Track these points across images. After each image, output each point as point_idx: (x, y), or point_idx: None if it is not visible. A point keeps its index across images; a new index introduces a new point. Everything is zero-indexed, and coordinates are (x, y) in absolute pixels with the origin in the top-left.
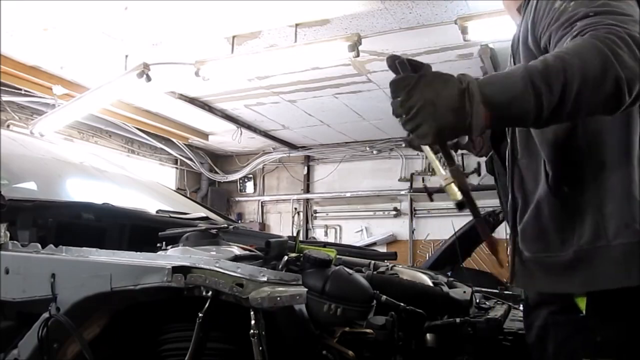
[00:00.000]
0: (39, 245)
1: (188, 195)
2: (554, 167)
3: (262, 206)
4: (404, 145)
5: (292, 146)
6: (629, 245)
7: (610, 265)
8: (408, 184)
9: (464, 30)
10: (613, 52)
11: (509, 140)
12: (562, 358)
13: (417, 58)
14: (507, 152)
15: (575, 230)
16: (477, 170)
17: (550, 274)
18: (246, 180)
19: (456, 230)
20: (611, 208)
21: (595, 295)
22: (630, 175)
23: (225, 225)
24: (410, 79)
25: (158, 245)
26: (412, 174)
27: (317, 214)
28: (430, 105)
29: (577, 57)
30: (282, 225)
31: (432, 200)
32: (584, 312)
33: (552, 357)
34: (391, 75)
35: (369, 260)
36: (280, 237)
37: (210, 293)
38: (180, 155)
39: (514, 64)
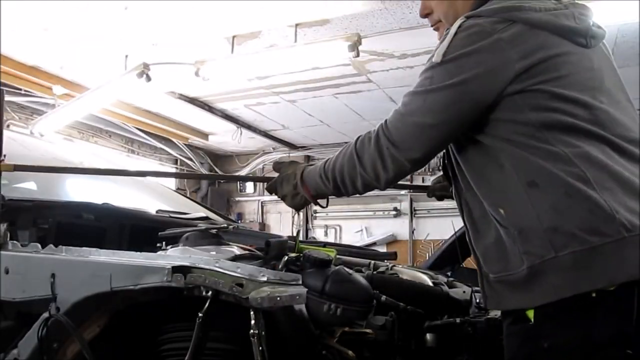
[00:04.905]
0: (39, 245)
1: (188, 195)
2: (485, 194)
3: (262, 206)
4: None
5: (292, 146)
6: (578, 254)
7: (562, 276)
8: (408, 184)
9: None
10: (358, 155)
11: (452, 179)
12: None
13: (417, 58)
14: (453, 188)
15: (525, 247)
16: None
17: (512, 292)
18: None
19: (456, 230)
20: (553, 222)
21: (542, 305)
22: (566, 187)
23: (225, 225)
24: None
25: (158, 245)
26: (411, 174)
27: (317, 214)
28: (285, 198)
29: (342, 159)
30: (282, 225)
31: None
32: (532, 320)
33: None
34: (391, 76)
35: (369, 260)
36: (280, 237)
37: (210, 293)
38: (180, 155)
39: None
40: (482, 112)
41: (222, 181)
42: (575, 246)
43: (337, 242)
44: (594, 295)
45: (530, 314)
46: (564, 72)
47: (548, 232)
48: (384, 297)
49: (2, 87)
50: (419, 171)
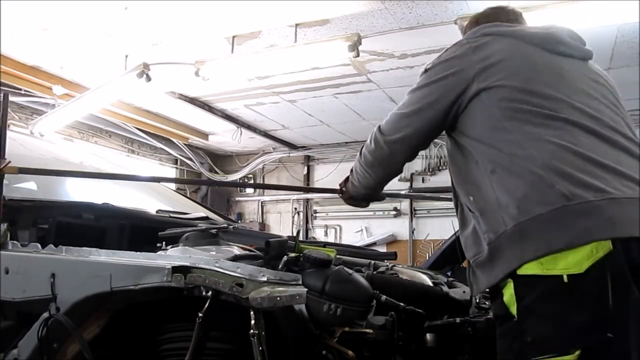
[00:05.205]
0: (39, 245)
1: (188, 195)
2: (464, 187)
3: (262, 206)
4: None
5: (292, 146)
6: (521, 224)
7: (511, 247)
8: (408, 184)
9: (464, 30)
10: (362, 160)
11: (451, 183)
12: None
13: (417, 58)
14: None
15: (486, 227)
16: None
17: (483, 272)
18: (246, 180)
19: (456, 230)
20: (505, 200)
21: (522, 298)
22: (516, 169)
23: (225, 225)
24: None
25: (158, 245)
26: (412, 174)
27: (317, 214)
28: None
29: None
30: (282, 225)
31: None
32: (516, 317)
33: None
34: (391, 76)
35: (369, 260)
36: (280, 237)
37: (210, 293)
38: (180, 155)
39: None
40: (450, 107)
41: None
42: (520, 218)
43: (337, 242)
44: (566, 280)
45: (513, 309)
46: (525, 70)
47: (501, 210)
48: (384, 297)
49: (7, 91)
50: (419, 171)
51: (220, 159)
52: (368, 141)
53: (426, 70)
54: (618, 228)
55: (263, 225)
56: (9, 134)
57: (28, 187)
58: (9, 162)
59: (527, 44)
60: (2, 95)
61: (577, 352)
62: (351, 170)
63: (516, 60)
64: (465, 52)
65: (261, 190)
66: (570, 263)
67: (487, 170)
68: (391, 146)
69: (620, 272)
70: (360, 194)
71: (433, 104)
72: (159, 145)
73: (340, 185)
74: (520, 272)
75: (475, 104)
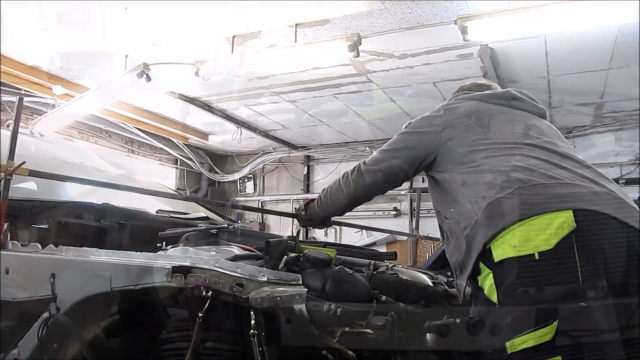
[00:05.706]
0: (39, 245)
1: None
2: (444, 208)
3: (262, 206)
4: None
5: (292, 146)
6: (487, 208)
7: (479, 231)
8: (408, 184)
9: (464, 30)
10: (343, 180)
11: (436, 215)
12: (494, 347)
13: (417, 58)
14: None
15: (463, 224)
16: None
17: (464, 271)
18: (246, 180)
19: None
20: (475, 197)
21: (500, 284)
22: (480, 174)
23: (225, 225)
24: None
25: (158, 245)
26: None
27: None
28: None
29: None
30: (282, 225)
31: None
32: (497, 302)
33: (488, 348)
34: (391, 76)
35: (369, 260)
36: (280, 237)
37: (210, 293)
38: (180, 155)
39: None
40: (423, 154)
41: (221, 181)
42: (485, 204)
43: (337, 242)
44: (537, 257)
45: (493, 296)
46: (485, 121)
47: (473, 205)
48: (384, 297)
49: (21, 94)
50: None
51: (220, 159)
52: (352, 168)
53: (410, 123)
54: (567, 202)
55: (263, 225)
56: (9, 134)
57: (28, 187)
58: (24, 162)
59: (485, 102)
60: (17, 98)
61: (554, 323)
62: (324, 190)
63: (477, 116)
64: (440, 113)
65: (261, 190)
66: (540, 241)
67: (459, 184)
68: (369, 174)
69: (586, 246)
70: (324, 213)
71: (409, 148)
72: (159, 145)
73: (298, 210)
74: (497, 259)
75: (444, 149)
